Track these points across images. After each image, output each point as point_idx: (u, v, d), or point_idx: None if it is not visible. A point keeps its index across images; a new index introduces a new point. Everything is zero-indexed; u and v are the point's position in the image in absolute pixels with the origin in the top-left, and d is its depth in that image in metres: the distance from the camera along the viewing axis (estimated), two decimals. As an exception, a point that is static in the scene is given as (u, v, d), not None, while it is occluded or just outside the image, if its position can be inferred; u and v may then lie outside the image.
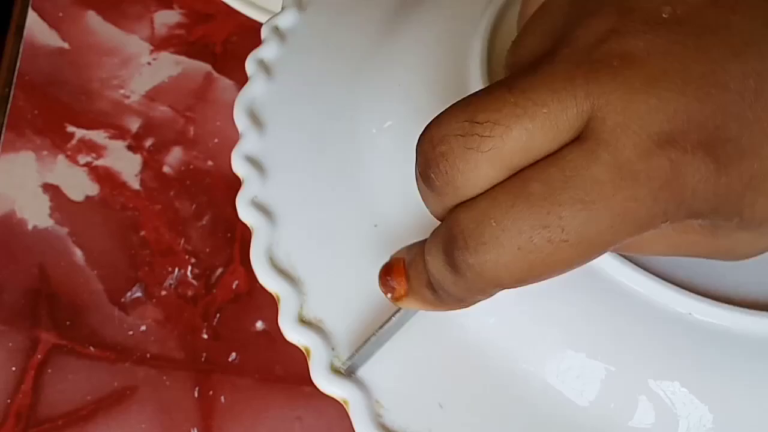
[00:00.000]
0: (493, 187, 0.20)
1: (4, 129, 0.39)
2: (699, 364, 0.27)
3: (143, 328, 0.37)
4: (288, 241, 0.30)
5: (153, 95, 0.40)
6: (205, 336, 0.37)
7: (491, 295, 0.21)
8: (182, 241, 0.38)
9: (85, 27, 0.40)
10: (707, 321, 0.26)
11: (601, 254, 0.20)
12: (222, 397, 0.36)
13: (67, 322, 0.37)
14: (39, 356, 0.36)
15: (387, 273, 0.23)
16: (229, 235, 0.38)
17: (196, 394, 0.36)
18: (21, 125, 0.39)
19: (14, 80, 0.39)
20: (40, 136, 0.39)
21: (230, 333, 0.37)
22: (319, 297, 0.29)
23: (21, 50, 0.40)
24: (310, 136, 0.32)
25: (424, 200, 0.21)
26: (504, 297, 0.22)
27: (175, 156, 0.39)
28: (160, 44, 0.40)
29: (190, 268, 0.38)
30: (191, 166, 0.39)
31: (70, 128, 0.39)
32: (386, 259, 0.24)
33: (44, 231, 0.38)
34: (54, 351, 0.36)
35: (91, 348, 0.36)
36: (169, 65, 0.40)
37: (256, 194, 0.30)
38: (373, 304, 0.29)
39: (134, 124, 0.39)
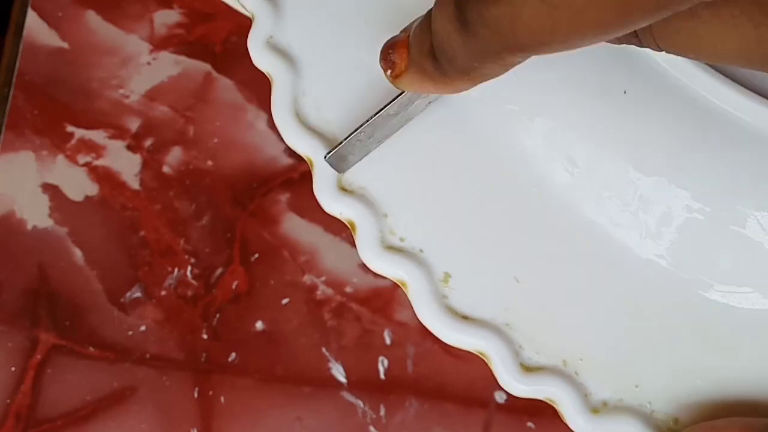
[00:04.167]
0: None
1: (3, 129, 0.39)
2: None
3: (143, 328, 0.37)
4: (316, 91, 0.24)
5: (152, 95, 0.39)
6: (205, 336, 0.37)
7: (502, 66, 0.18)
8: (182, 241, 0.38)
9: (84, 26, 0.40)
10: None
11: (641, 24, 0.16)
12: (222, 398, 0.36)
13: (67, 322, 0.37)
14: (38, 356, 0.36)
15: (390, 46, 0.21)
16: (228, 235, 0.38)
17: (195, 395, 0.36)
18: (20, 125, 0.39)
19: (13, 80, 0.39)
20: (40, 135, 0.39)
21: (230, 333, 0.37)
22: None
23: (20, 50, 0.40)
24: None
25: None
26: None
27: (174, 156, 0.39)
28: (159, 44, 0.40)
29: (189, 268, 0.38)
30: (191, 166, 0.38)
31: (70, 128, 0.39)
32: None
33: (44, 231, 0.38)
34: (53, 351, 0.36)
35: (91, 348, 0.36)
36: (169, 65, 0.40)
37: (271, 33, 0.26)
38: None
39: (134, 124, 0.39)
